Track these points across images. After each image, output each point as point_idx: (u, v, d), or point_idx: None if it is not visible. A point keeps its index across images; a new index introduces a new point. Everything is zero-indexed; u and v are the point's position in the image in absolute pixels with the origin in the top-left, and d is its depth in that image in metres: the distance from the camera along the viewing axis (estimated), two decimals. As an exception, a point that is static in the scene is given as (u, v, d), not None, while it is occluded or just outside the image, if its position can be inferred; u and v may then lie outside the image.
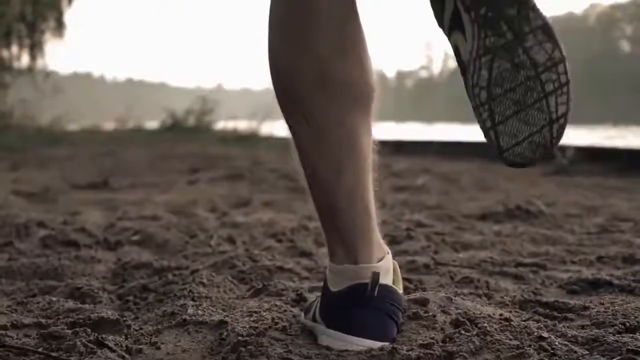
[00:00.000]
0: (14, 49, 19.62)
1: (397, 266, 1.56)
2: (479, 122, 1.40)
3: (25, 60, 19.53)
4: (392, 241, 2.55)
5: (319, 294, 1.60)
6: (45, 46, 19.97)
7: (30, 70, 19.35)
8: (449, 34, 1.44)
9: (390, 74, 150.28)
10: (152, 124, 17.99)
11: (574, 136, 10.05)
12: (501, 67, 1.36)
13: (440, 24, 1.45)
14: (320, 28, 1.45)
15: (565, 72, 1.37)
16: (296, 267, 2.14)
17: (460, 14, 1.40)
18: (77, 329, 1.45)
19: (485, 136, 1.40)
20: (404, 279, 1.70)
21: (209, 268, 2.10)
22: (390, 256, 1.55)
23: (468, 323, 1.49)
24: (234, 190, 5.24)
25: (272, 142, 11.33)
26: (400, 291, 1.53)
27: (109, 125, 18.62)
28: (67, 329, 1.47)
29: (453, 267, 2.12)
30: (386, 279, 1.49)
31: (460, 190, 5.28)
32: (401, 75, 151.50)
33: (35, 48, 19.91)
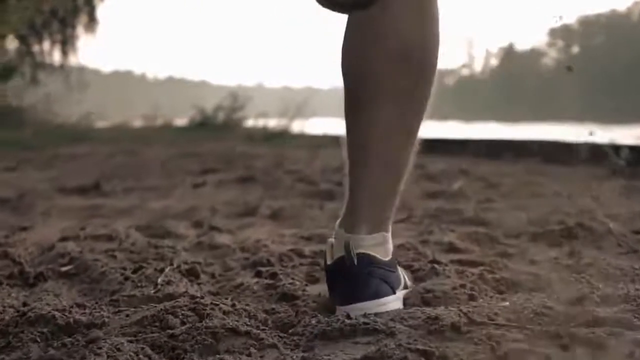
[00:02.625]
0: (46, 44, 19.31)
1: (391, 246, 1.69)
2: None
3: (57, 56, 19.18)
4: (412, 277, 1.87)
5: None
6: (78, 42, 19.58)
7: (62, 66, 18.95)
8: None
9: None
10: (183, 121, 17.52)
11: (626, 135, 9.27)
12: None
13: None
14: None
15: None
16: (260, 327, 1.44)
17: None
18: None
19: None
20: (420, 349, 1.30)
21: (128, 327, 1.42)
22: (389, 236, 1.67)
23: None
24: (243, 196, 4.57)
25: (302, 140, 10.77)
26: (387, 259, 1.65)
27: (139, 123, 18.19)
28: None
29: (495, 329, 1.41)
30: (374, 251, 1.62)
31: (502, 197, 4.56)
32: (442, 73, 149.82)
33: (67, 44, 19.50)
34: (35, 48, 19.05)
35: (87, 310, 1.55)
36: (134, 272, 1.87)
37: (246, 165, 6.52)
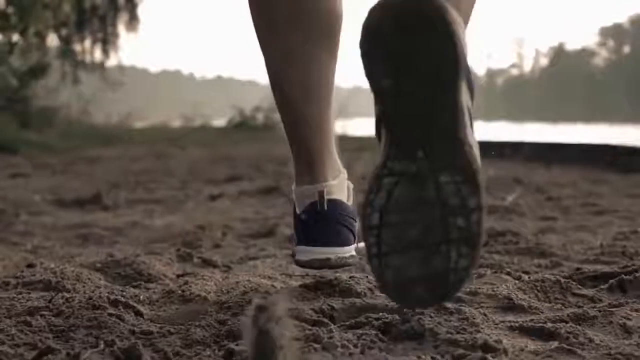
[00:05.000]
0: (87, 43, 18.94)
1: (351, 184, 1.77)
2: (365, 245, 1.29)
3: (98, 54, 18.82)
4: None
5: None
6: (118, 40, 19.24)
7: (102, 65, 18.61)
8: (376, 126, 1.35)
9: (481, 71, 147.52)
10: (222, 122, 17.10)
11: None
12: (402, 193, 1.24)
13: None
14: None
15: (479, 224, 1.23)
16: None
17: (381, 121, 1.30)
18: None
19: (369, 263, 1.30)
20: None
21: None
22: (344, 175, 1.76)
23: None
24: (263, 210, 3.98)
25: (343, 143, 10.10)
26: (350, 203, 1.74)
27: (177, 123, 17.81)
28: None
29: None
30: (340, 196, 1.72)
31: (563, 212, 3.92)
32: (491, 73, 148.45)
33: (108, 42, 19.15)
34: (77, 47, 18.71)
35: None
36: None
37: (275, 172, 5.92)
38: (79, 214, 3.79)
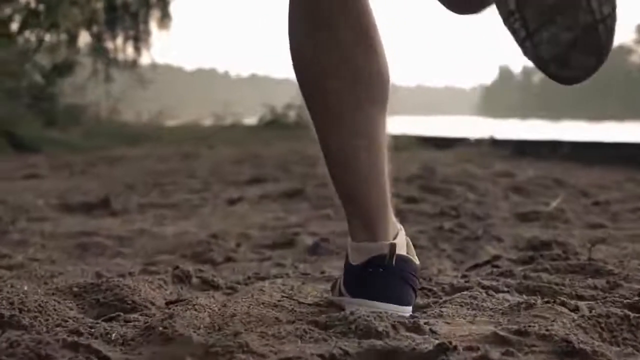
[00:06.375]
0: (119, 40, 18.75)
1: (410, 241, 1.66)
2: (512, 35, 1.30)
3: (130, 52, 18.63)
4: None
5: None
6: (150, 38, 19.03)
7: (134, 63, 18.41)
8: None
9: (517, 69, 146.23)
10: (253, 120, 16.81)
11: None
12: None
13: None
14: (341, 17, 1.51)
15: None
16: None
17: None
18: None
19: (522, 49, 1.30)
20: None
21: None
22: (403, 232, 1.66)
23: None
24: (285, 215, 3.68)
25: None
26: (417, 262, 1.64)
27: (208, 122, 17.55)
28: None
29: None
30: (402, 251, 1.61)
31: (612, 218, 3.58)
32: (527, 71, 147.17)
33: (140, 40, 18.94)
34: (109, 45, 18.52)
35: None
36: None
37: (302, 174, 5.60)
38: (83, 219, 3.51)
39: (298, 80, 1.61)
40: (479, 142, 9.28)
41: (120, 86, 15.51)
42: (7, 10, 13.25)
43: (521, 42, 1.30)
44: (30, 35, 13.36)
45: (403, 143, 8.66)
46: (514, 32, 1.30)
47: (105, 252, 2.77)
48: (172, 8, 19.70)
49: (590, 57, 1.28)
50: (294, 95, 15.04)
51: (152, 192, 4.57)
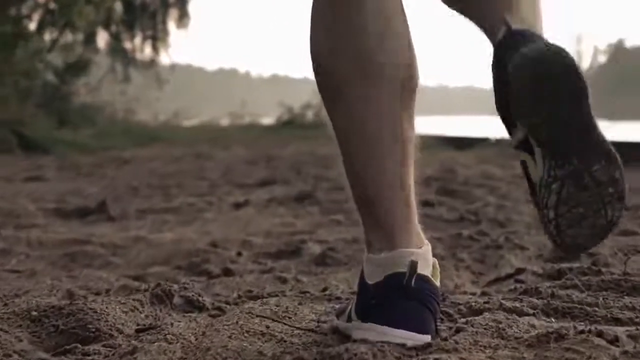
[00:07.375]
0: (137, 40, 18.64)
1: (437, 262, 1.52)
2: (544, 229, 1.47)
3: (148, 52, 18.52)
4: None
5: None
6: (168, 37, 18.93)
7: (152, 62, 18.30)
8: (515, 148, 1.53)
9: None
10: (270, 120, 16.66)
11: None
12: (569, 191, 1.45)
13: (509, 133, 1.53)
14: (367, 21, 1.45)
15: (622, 183, 1.46)
16: None
17: (531, 143, 1.48)
18: None
19: (548, 234, 1.47)
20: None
21: None
22: (429, 247, 1.51)
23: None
24: (292, 220, 3.45)
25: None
26: (438, 284, 1.49)
27: (226, 122, 17.43)
28: None
29: None
30: (425, 270, 1.46)
31: (644, 224, 3.32)
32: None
33: (158, 39, 18.84)
34: (127, 44, 18.42)
35: None
36: None
37: (315, 176, 5.37)
38: (77, 226, 3.29)
39: (318, 85, 1.52)
40: (500, 143, 9.04)
41: (136, 86, 15.37)
42: (24, 10, 13.11)
43: (550, 234, 1.47)
44: (45, 34, 13.22)
45: (422, 143, 8.43)
46: (547, 230, 1.48)
47: (94, 263, 2.56)
48: (191, 7, 19.58)
49: (596, 242, 1.51)
50: (311, 94, 14.88)
51: (155, 195, 4.35)
